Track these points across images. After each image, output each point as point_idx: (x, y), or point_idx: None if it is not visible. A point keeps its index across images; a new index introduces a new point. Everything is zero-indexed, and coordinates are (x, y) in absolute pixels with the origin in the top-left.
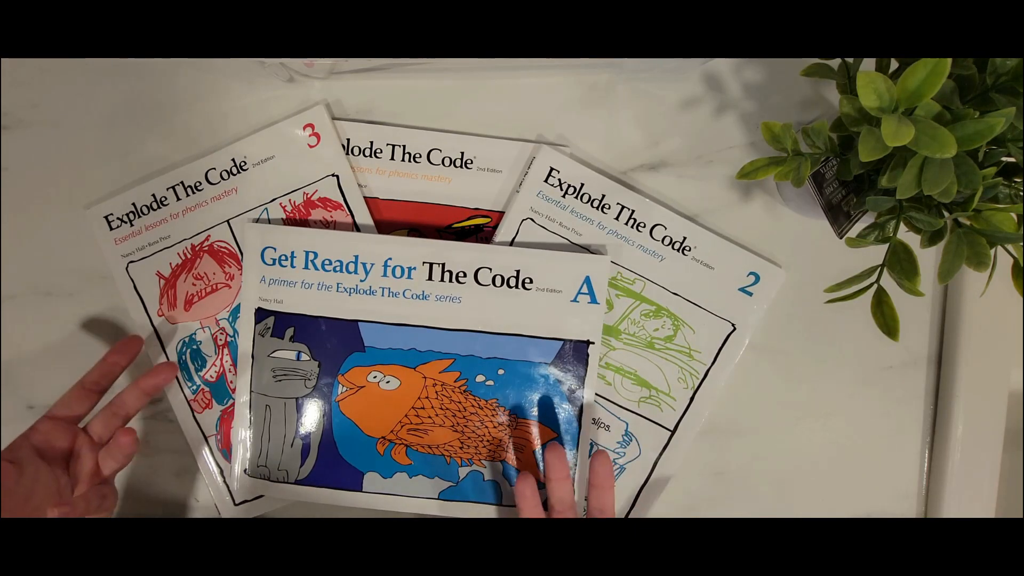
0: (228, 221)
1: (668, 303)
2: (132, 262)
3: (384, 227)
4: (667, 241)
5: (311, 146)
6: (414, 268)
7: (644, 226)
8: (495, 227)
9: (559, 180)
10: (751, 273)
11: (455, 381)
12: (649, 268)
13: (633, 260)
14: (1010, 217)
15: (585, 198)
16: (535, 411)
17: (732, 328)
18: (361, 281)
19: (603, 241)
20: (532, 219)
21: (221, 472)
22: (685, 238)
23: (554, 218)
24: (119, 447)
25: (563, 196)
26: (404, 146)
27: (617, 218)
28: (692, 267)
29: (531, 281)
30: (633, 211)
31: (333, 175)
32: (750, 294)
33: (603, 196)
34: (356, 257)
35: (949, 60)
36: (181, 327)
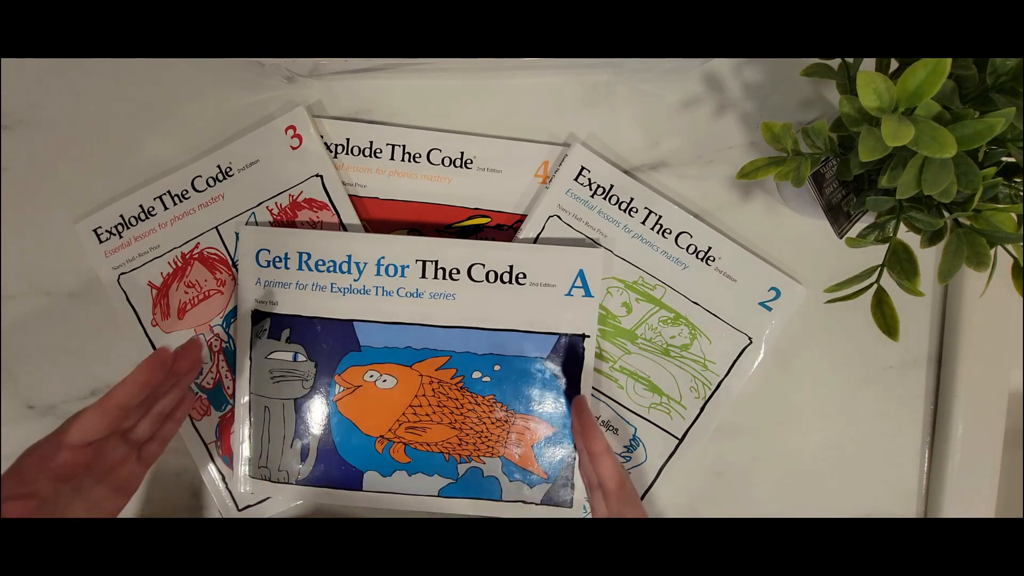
0: (217, 227)
1: (687, 311)
2: (123, 273)
3: (384, 227)
4: (692, 250)
5: (293, 148)
6: (407, 266)
7: (670, 232)
8: (495, 227)
9: (589, 180)
10: (772, 288)
11: (451, 378)
12: (671, 275)
13: (656, 266)
14: (1010, 217)
15: (613, 200)
16: (532, 406)
17: (748, 341)
18: (355, 281)
19: (628, 244)
20: (559, 216)
21: (223, 478)
22: (710, 248)
23: (581, 217)
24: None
25: (592, 196)
26: (404, 146)
27: (644, 222)
28: (714, 277)
29: (524, 276)
30: (660, 216)
31: (317, 175)
32: (769, 309)
33: (631, 199)
34: (349, 257)
35: (949, 60)
36: (175, 336)
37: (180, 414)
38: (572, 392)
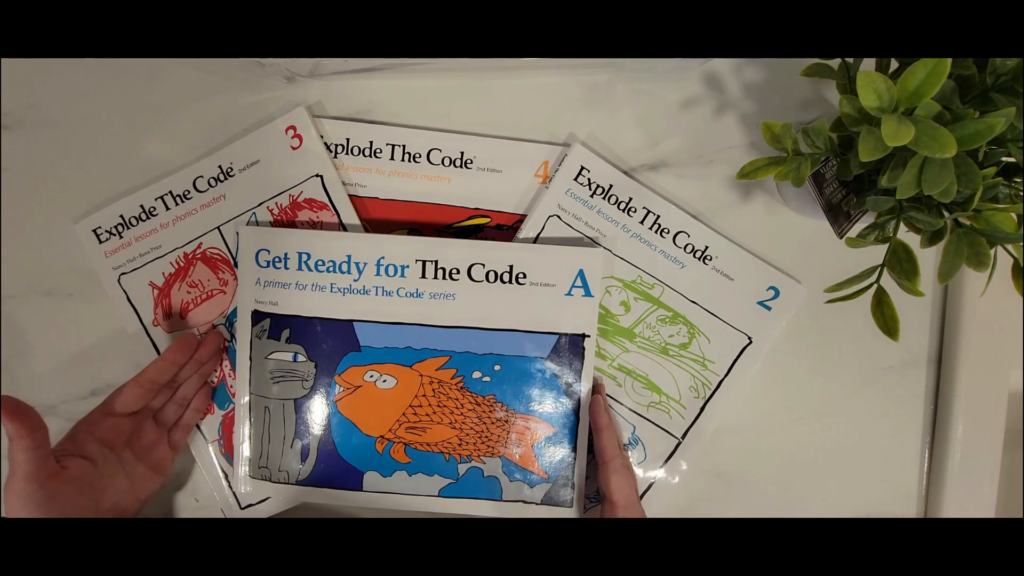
0: (219, 228)
1: (685, 310)
2: (124, 274)
3: (384, 227)
4: (689, 249)
5: (294, 148)
6: (407, 266)
7: (668, 232)
8: (495, 227)
9: (588, 180)
10: (771, 287)
11: (451, 378)
12: (669, 274)
13: (654, 265)
14: (1010, 217)
15: (612, 199)
16: (532, 406)
17: (748, 341)
18: (355, 281)
19: (626, 244)
20: (559, 216)
21: (225, 476)
22: (707, 247)
23: (580, 217)
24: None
25: (591, 196)
26: (404, 146)
27: (642, 222)
28: (712, 277)
29: (524, 276)
30: (659, 216)
31: (317, 175)
32: (769, 308)
33: (630, 199)
34: (349, 257)
35: (949, 60)
36: (177, 336)
37: (199, 404)
38: (572, 392)
